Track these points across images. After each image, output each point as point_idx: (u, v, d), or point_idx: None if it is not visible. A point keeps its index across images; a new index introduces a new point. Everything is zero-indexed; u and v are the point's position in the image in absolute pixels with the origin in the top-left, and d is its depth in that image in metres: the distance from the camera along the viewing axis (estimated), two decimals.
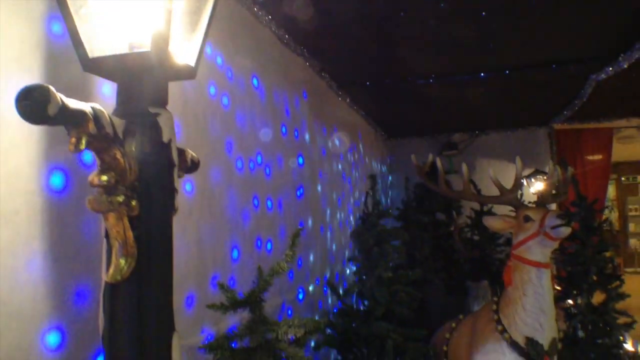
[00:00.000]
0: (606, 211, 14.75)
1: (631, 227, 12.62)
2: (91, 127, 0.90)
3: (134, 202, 0.95)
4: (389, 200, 7.13)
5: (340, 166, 4.76)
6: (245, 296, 1.80)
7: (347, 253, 4.96)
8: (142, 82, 1.05)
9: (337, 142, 4.74)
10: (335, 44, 3.70)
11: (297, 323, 1.79)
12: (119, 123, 0.97)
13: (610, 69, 4.45)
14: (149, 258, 0.97)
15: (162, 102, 1.07)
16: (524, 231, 2.50)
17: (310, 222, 3.85)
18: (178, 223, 2.24)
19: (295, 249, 1.89)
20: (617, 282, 3.59)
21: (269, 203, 3.14)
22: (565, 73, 4.55)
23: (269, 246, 3.11)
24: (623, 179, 13.14)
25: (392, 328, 2.77)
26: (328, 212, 4.35)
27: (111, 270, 0.93)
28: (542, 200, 2.77)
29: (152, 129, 1.00)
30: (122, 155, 0.94)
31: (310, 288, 3.84)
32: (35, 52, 1.40)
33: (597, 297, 4.03)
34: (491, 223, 2.69)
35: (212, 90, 2.59)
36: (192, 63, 1.16)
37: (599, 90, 5.14)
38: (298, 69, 3.81)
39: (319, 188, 4.10)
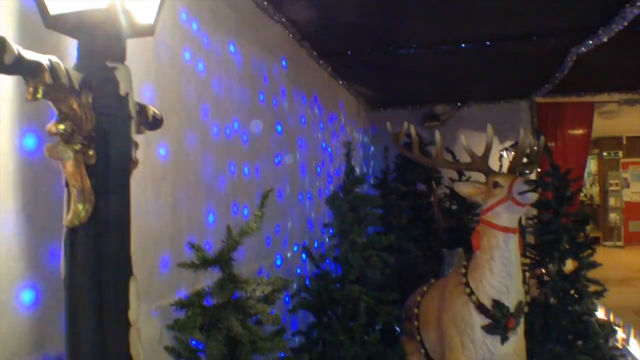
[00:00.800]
0: (587, 185, 15.05)
1: (611, 201, 12.87)
2: (47, 77, 0.92)
3: (90, 151, 0.98)
4: (370, 170, 7.19)
5: (320, 135, 4.78)
6: (216, 255, 1.85)
7: (326, 221, 5.03)
8: (100, 38, 1.06)
9: (317, 111, 4.75)
10: (316, 13, 3.67)
11: (265, 281, 1.84)
12: (76, 75, 0.99)
13: (591, 42, 4.48)
14: (106, 205, 1.00)
15: (120, 58, 1.09)
16: (493, 197, 2.55)
17: (288, 189, 3.89)
18: (152, 185, 2.28)
19: (264, 209, 1.92)
20: (589, 251, 3.68)
21: (245, 169, 3.17)
22: (545, 45, 4.58)
23: (245, 212, 3.14)
24: (605, 154, 13.34)
25: (364, 291, 2.84)
26: (307, 180, 4.40)
27: (70, 215, 0.97)
28: (512, 168, 2.82)
29: (109, 82, 1.03)
30: (78, 106, 0.97)
31: (289, 255, 3.90)
32: (9, 15, 1.39)
33: (572, 266, 4.17)
34: (462, 189, 2.74)
35: (187, 55, 2.58)
36: (151, 20, 1.17)
37: (580, 64, 5.18)
38: (277, 37, 3.79)
39: (298, 156, 4.13)
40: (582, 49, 4.61)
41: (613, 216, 12.76)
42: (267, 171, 3.48)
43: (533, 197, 2.44)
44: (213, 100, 2.81)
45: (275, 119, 3.68)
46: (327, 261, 3.11)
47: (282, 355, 1.93)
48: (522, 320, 2.59)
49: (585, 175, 15.22)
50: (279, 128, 3.75)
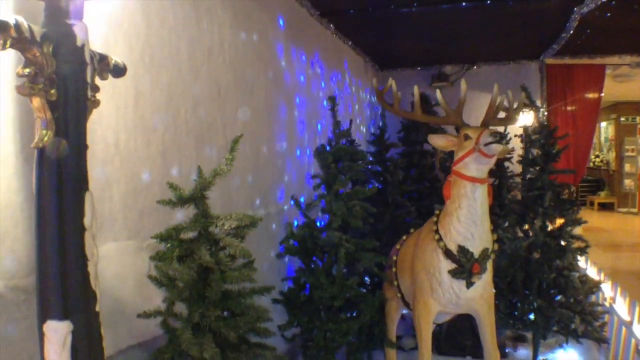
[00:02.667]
0: (604, 151, 14.76)
1: (626, 167, 12.65)
2: (12, 32, 1.10)
3: (52, 90, 1.16)
4: (377, 130, 7.29)
5: (321, 94, 4.90)
6: (190, 194, 2.04)
7: None
8: (62, 1, 1.23)
9: (318, 70, 4.85)
10: None
11: (234, 217, 2.03)
12: (38, 30, 1.17)
13: (592, 3, 4.44)
14: (65, 133, 1.20)
15: (79, 16, 1.26)
16: (463, 149, 2.65)
17: (285, 145, 4.05)
18: (142, 136, 2.45)
19: (234, 153, 2.10)
20: (574, 208, 3.77)
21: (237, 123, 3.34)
22: (546, 4, 4.55)
23: (250, 179, 3.36)
24: (622, 119, 13.04)
25: (345, 237, 3.02)
26: (306, 136, 4.55)
27: (36, 139, 1.17)
28: (485, 122, 2.90)
29: (68, 36, 1.20)
30: (40, 54, 1.15)
31: (285, 207, 4.11)
32: None
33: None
34: (435, 141, 2.82)
35: (178, 14, 2.72)
36: None
37: (587, 25, 5.13)
38: None
39: (296, 113, 4.28)
40: (585, 8, 4.57)
41: (628, 182, 12.58)
42: (263, 125, 3.64)
43: (497, 148, 2.53)
44: (204, 58, 2.97)
45: (269, 74, 3.81)
46: (320, 213, 3.29)
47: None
48: (488, 266, 2.74)
49: (602, 140, 14.97)
50: (273, 80, 3.87)
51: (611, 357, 3.96)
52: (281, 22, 3.99)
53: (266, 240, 3.66)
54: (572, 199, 3.96)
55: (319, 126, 4.85)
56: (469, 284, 2.66)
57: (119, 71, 1.50)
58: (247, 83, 3.44)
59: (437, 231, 2.74)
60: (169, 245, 2.05)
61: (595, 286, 3.80)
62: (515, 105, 3.12)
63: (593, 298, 4.15)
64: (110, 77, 1.85)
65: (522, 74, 7.06)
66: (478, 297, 2.75)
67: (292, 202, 3.35)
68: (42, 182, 1.18)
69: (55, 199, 1.18)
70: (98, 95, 1.42)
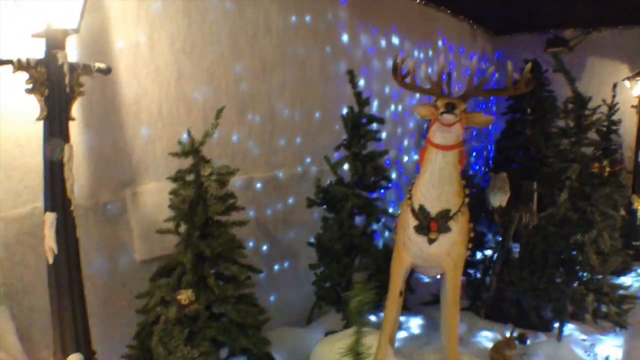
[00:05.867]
0: None
1: None
2: (16, 65, 2.02)
3: (46, 91, 2.08)
4: (492, 98, 7.20)
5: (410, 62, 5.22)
6: (189, 149, 2.85)
7: (405, 142, 5.59)
8: (51, 39, 2.13)
9: (396, 40, 5.19)
10: None
11: (216, 168, 2.80)
12: (33, 60, 2.08)
13: None
14: (52, 112, 2.12)
15: (61, 47, 2.13)
16: (433, 118, 2.93)
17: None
18: (185, 106, 3.30)
19: (218, 120, 2.83)
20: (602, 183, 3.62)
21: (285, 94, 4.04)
22: None
23: (282, 142, 4.07)
24: None
25: (350, 192, 3.56)
26: (376, 103, 5.01)
27: (40, 116, 2.12)
28: (465, 93, 3.05)
29: (53, 59, 2.10)
30: (35, 72, 2.07)
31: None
32: None
33: None
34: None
35: (220, 8, 3.50)
36: (75, 26, 2.18)
37: None
38: None
39: (362, 83, 4.77)
40: None
41: None
42: (313, 95, 4.28)
43: (448, 118, 2.76)
44: (248, 41, 3.72)
45: (329, 51, 4.38)
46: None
47: None
48: (455, 227, 3.00)
49: None
50: (332, 55, 4.43)
51: None
52: (343, 1, 4.49)
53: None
54: (602, 173, 3.71)
55: (394, 95, 5.24)
56: (430, 240, 2.99)
57: (104, 71, 2.37)
58: (297, 59, 4.10)
59: (410, 191, 3.10)
60: (180, 183, 2.91)
61: (628, 268, 3.61)
62: (515, 76, 3.15)
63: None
64: (155, 66, 2.85)
65: None
66: (444, 254, 3.05)
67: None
68: (46, 136, 2.15)
69: (50, 147, 2.15)
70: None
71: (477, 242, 4.91)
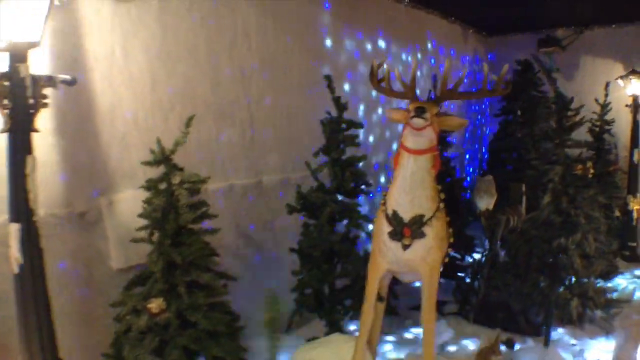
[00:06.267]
0: None
1: None
2: None
3: (6, 101, 2.11)
4: (486, 99, 7.15)
5: (385, 66, 5.20)
6: (160, 158, 2.85)
7: (394, 146, 5.57)
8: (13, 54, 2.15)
9: (383, 44, 5.17)
10: None
11: (187, 176, 2.80)
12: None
13: None
14: (15, 123, 2.15)
15: (23, 61, 2.16)
16: (406, 122, 2.90)
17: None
18: (161, 114, 3.31)
19: (189, 129, 2.84)
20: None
21: (266, 101, 4.04)
22: None
23: (266, 134, 4.07)
24: None
25: (328, 197, 3.55)
26: (362, 107, 4.99)
27: (3, 126, 2.15)
28: (440, 96, 3.02)
29: (15, 72, 2.13)
30: (1, 86, 2.10)
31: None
32: None
33: None
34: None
35: (196, 16, 3.51)
36: (37, 39, 2.20)
37: None
38: None
39: (346, 87, 4.76)
40: None
41: None
42: (297, 101, 4.27)
43: (417, 122, 2.72)
44: (225, 48, 3.72)
45: (311, 56, 4.38)
46: None
47: None
48: (429, 232, 2.94)
49: None
50: (316, 59, 4.43)
51: None
52: (326, 5, 4.48)
53: None
54: (586, 175, 3.66)
55: (381, 98, 5.21)
56: (404, 246, 2.96)
57: (69, 82, 2.39)
58: (278, 65, 4.10)
59: (385, 197, 3.07)
60: (153, 191, 2.92)
61: (614, 272, 3.56)
62: (491, 77, 3.11)
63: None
64: (129, 74, 2.98)
65: None
66: (419, 259, 3.01)
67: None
68: (9, 148, 2.19)
69: (13, 159, 2.19)
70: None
71: (466, 246, 4.90)
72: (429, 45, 5.86)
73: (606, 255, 3.79)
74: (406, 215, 2.92)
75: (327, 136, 3.67)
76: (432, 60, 5.91)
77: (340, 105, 3.64)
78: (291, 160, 4.24)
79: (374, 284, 3.18)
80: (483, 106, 7.28)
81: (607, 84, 5.67)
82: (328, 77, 3.60)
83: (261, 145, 4.00)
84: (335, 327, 3.69)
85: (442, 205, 3.03)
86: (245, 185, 3.93)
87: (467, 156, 6.95)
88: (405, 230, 2.93)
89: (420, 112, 2.75)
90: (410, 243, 2.96)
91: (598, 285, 3.88)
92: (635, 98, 5.66)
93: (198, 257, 2.88)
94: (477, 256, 4.99)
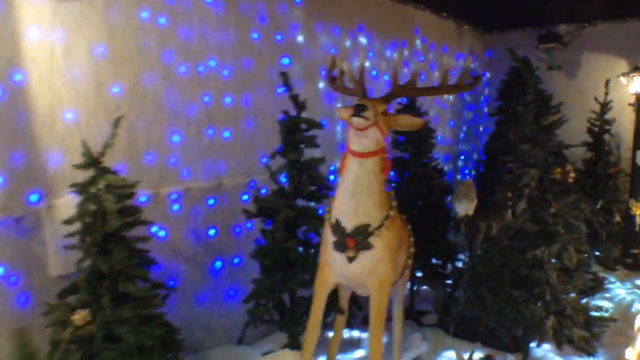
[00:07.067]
0: None
1: None
2: None
3: None
4: (484, 98, 6.84)
5: (368, 63, 4.97)
6: (93, 158, 2.70)
7: None
8: None
9: (365, 40, 4.94)
10: None
11: (108, 179, 2.65)
12: None
13: None
14: None
15: None
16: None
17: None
18: (106, 115, 3.17)
19: (115, 132, 2.68)
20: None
21: (227, 99, 3.86)
22: None
23: (226, 134, 3.89)
24: None
25: (282, 202, 3.35)
26: (339, 106, 4.75)
27: None
28: (390, 93, 2.78)
29: None
30: None
31: None
32: None
33: None
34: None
35: (145, 14, 3.36)
36: None
37: None
38: None
39: (320, 86, 4.55)
40: None
41: None
42: (262, 100, 4.08)
43: (357, 121, 2.49)
44: (179, 45, 3.55)
45: (279, 53, 4.18)
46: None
47: None
48: (373, 242, 2.69)
49: None
50: (286, 61, 4.24)
51: None
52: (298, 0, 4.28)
53: None
54: (565, 179, 3.34)
55: None
56: (349, 259, 2.73)
57: None
58: (241, 63, 3.92)
59: (330, 203, 2.85)
60: (85, 195, 2.78)
61: (599, 287, 3.26)
62: (447, 71, 2.86)
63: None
64: (71, 75, 2.92)
65: None
66: (367, 272, 2.77)
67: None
68: None
69: None
70: None
71: (448, 253, 4.63)
72: (418, 42, 5.59)
73: (588, 268, 3.46)
74: (349, 224, 2.68)
75: (283, 137, 3.47)
76: (422, 58, 5.63)
77: (299, 104, 3.44)
78: (256, 161, 4.06)
79: (322, 298, 2.96)
80: (480, 105, 6.95)
81: (607, 82, 5.31)
82: (284, 74, 3.40)
83: (221, 146, 3.83)
84: (295, 340, 3.51)
85: (393, 213, 2.80)
86: (204, 188, 3.76)
87: (462, 157, 6.63)
88: (348, 241, 2.70)
89: (359, 110, 2.49)
90: (355, 255, 2.72)
91: (583, 301, 3.57)
92: (638, 96, 5.28)
93: (126, 266, 2.72)
94: (459, 264, 4.73)
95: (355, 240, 2.69)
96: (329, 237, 2.81)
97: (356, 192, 2.65)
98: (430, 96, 4.48)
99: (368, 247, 2.72)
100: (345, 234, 2.69)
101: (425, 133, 4.54)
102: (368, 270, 2.78)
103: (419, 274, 4.63)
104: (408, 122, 2.81)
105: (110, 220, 2.69)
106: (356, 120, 2.51)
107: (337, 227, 2.71)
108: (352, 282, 2.93)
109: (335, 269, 2.83)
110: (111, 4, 3.20)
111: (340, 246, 2.73)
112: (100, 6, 3.16)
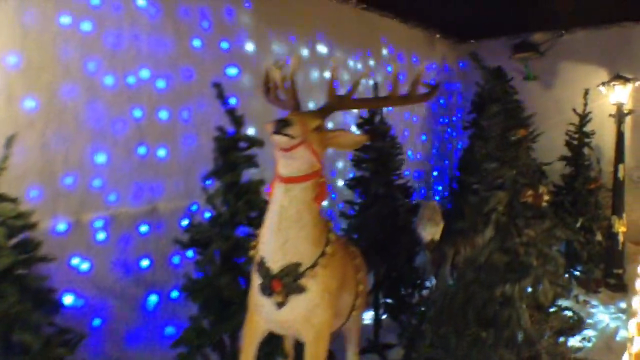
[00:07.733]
0: None
1: None
2: None
3: None
4: (457, 110, 6.52)
5: (327, 74, 4.62)
6: None
7: (340, 164, 4.96)
8: None
9: (324, 50, 4.59)
10: None
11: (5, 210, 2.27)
12: None
13: None
14: None
15: None
16: None
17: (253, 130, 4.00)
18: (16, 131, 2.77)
19: (7, 154, 2.30)
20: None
21: (162, 114, 3.47)
22: None
23: (162, 153, 3.49)
24: None
25: (216, 231, 2.95)
26: None
27: None
28: (327, 106, 2.40)
29: None
30: None
31: None
32: None
33: None
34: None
35: (66, 19, 2.97)
36: None
37: None
38: None
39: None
40: None
41: None
42: (203, 113, 3.69)
43: (278, 140, 2.07)
44: (105, 53, 3.17)
45: (225, 62, 3.81)
46: None
47: None
48: (305, 285, 2.25)
49: None
50: (234, 71, 3.87)
51: None
52: (247, 5, 3.92)
53: None
54: (538, 203, 2.98)
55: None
56: (280, 305, 2.32)
57: None
58: (177, 73, 3.53)
59: (258, 237, 2.44)
60: None
61: (576, 327, 2.87)
62: (395, 79, 2.48)
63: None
64: None
65: (627, 40, 5.65)
66: (301, 320, 2.33)
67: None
68: None
69: None
70: None
71: (414, 282, 4.25)
72: (385, 52, 5.24)
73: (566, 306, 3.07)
74: (275, 265, 2.22)
75: (218, 156, 3.07)
76: (389, 68, 5.28)
77: (237, 119, 3.05)
78: (197, 183, 3.65)
79: (251, 348, 2.48)
80: (454, 118, 6.61)
81: (587, 92, 4.99)
82: (218, 86, 3.00)
83: (155, 166, 3.43)
84: None
85: (331, 248, 2.40)
86: (135, 213, 3.36)
87: (435, 173, 6.27)
88: (275, 284, 2.28)
89: (281, 126, 2.05)
90: (284, 300, 2.31)
91: (561, 340, 3.18)
92: (619, 106, 4.96)
93: (21, 311, 2.32)
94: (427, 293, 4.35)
95: (282, 283, 2.27)
96: (255, 280, 2.40)
97: (283, 226, 2.21)
98: (377, 108, 4.08)
99: (299, 290, 2.26)
100: (270, 276, 2.28)
101: (389, 149, 4.17)
102: (302, 317, 2.32)
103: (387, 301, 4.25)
104: (348, 139, 2.37)
105: (1, 257, 2.30)
106: (277, 139, 2.09)
107: (262, 268, 2.30)
108: (285, 331, 2.52)
109: (264, 314, 2.42)
110: (26, 6, 2.82)
111: (266, 290, 2.30)
112: (13, 9, 2.77)
